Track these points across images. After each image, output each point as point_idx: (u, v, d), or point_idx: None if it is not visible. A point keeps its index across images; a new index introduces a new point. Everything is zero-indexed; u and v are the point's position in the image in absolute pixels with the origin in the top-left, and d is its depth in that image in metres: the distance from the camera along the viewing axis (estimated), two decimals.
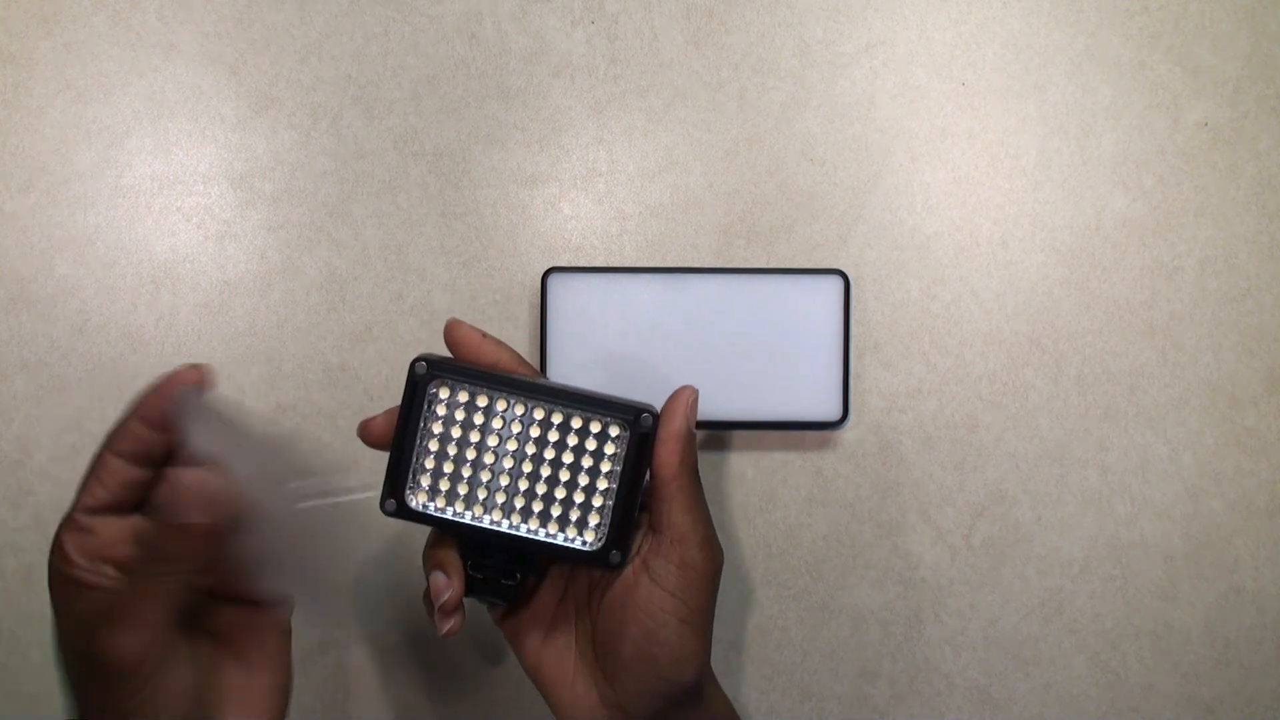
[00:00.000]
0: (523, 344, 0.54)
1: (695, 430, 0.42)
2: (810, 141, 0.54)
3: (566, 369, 0.51)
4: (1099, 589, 0.54)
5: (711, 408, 0.52)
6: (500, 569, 0.42)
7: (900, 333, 0.54)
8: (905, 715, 0.55)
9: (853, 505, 0.54)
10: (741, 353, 0.52)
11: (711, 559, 0.42)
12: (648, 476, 0.42)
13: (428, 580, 0.42)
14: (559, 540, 0.42)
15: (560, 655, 0.44)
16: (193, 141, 0.54)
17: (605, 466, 0.42)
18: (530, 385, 0.41)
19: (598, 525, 0.42)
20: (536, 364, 0.53)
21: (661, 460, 0.41)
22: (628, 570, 0.42)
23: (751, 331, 0.52)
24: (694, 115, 0.54)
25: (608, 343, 0.52)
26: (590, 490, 0.42)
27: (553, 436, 0.41)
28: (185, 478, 0.35)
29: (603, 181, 0.54)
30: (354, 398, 0.54)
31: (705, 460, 0.54)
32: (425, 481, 0.42)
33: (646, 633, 0.41)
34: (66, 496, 0.37)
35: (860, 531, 0.54)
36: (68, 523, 0.37)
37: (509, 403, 0.41)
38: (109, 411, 0.53)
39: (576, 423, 0.41)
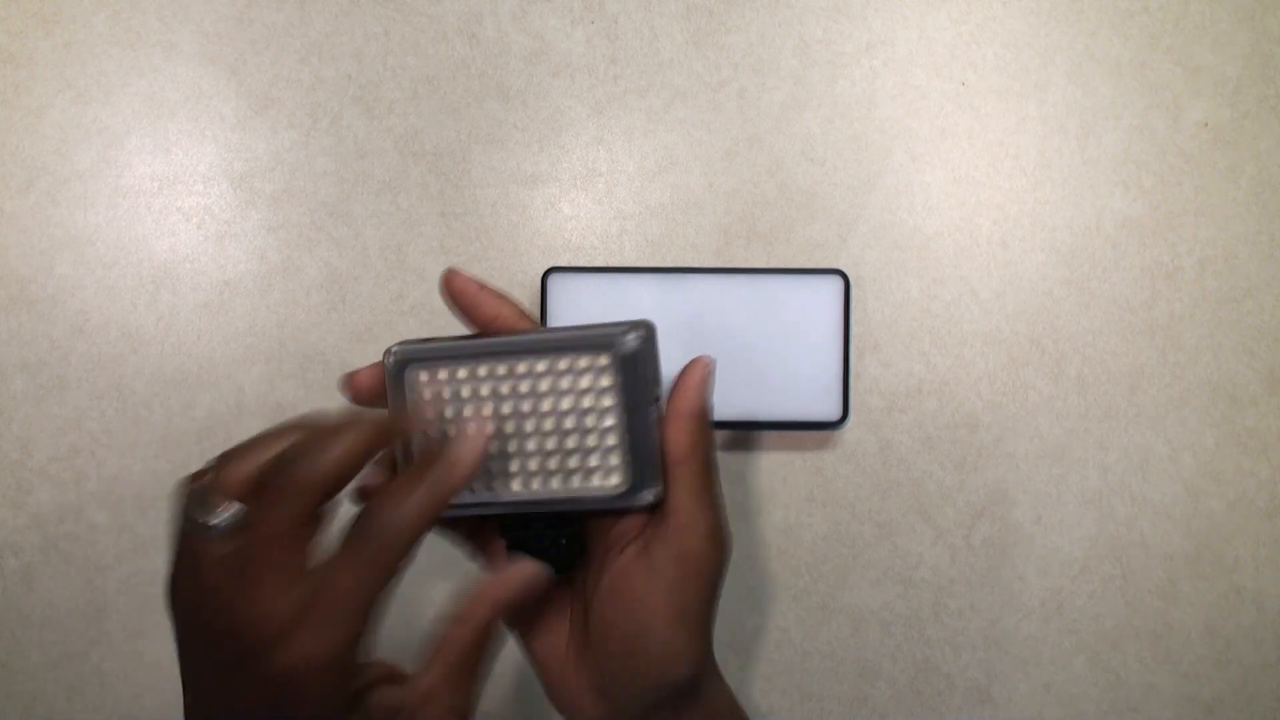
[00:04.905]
0: None
1: (711, 406, 0.38)
2: (810, 141, 0.54)
3: None
4: (1099, 589, 0.54)
5: None
6: (544, 538, 0.39)
7: (900, 333, 0.54)
8: (905, 715, 0.55)
9: (853, 505, 0.54)
10: (741, 353, 0.52)
11: (716, 550, 0.38)
12: (663, 398, 0.38)
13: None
14: (587, 494, 0.38)
15: (553, 636, 0.40)
16: (193, 141, 0.54)
17: (605, 402, 0.37)
18: (509, 342, 0.38)
19: (618, 465, 0.38)
20: None
21: (672, 440, 0.37)
22: (628, 554, 0.38)
23: (751, 331, 0.52)
24: (694, 115, 0.54)
25: None
26: (600, 431, 0.37)
27: (543, 387, 0.37)
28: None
29: (603, 181, 0.54)
30: None
31: None
32: None
33: (637, 625, 0.37)
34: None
35: (860, 531, 0.54)
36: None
37: (490, 366, 0.38)
38: (109, 412, 0.53)
39: (561, 365, 0.37)
